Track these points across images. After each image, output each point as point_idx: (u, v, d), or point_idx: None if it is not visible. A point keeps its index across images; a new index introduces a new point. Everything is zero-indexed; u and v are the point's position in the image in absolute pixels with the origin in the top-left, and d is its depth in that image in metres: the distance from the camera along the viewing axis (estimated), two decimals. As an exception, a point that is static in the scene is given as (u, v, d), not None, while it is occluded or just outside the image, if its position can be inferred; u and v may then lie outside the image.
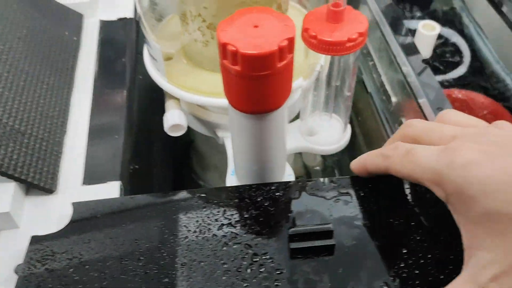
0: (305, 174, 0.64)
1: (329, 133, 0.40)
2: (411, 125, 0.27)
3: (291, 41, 0.25)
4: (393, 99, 0.42)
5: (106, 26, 0.48)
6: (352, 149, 0.59)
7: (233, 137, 0.32)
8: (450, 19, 0.60)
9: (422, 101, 0.37)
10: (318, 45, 0.30)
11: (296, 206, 0.29)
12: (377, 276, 0.25)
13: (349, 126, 0.40)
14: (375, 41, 0.46)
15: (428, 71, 0.39)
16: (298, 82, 0.36)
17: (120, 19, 0.49)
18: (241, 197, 0.30)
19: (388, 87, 0.43)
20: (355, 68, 0.35)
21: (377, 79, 0.46)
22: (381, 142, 0.46)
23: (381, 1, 0.48)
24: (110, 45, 0.46)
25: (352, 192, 0.29)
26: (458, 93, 0.50)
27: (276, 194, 0.30)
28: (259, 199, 0.29)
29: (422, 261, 0.25)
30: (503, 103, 0.51)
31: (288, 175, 0.38)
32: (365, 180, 0.29)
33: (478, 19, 0.59)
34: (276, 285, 0.25)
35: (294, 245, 0.26)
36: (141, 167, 0.38)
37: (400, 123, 0.41)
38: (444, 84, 0.53)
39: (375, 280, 0.25)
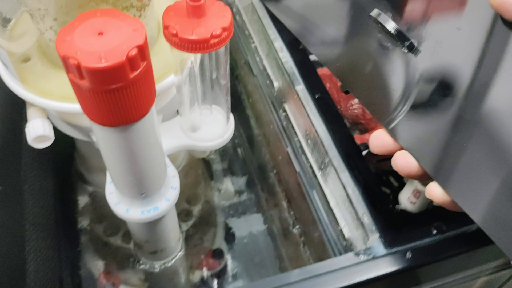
0: (203, 162, 0.63)
1: (212, 127, 0.38)
2: None
3: (142, 48, 0.23)
4: (275, 84, 0.41)
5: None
6: (246, 130, 0.59)
7: (101, 149, 0.30)
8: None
9: (299, 88, 0.36)
10: (181, 44, 0.28)
11: None
12: None
13: (231, 117, 0.39)
14: (254, 24, 0.45)
15: (306, 56, 0.39)
16: (170, 79, 0.34)
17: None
18: None
19: (270, 72, 0.42)
20: (227, 58, 0.33)
21: (260, 62, 0.45)
22: (270, 125, 0.46)
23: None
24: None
25: None
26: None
27: None
28: None
29: None
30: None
31: (172, 176, 0.36)
32: None
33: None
34: None
35: None
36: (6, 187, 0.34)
37: (284, 109, 0.40)
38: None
39: None
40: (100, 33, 0.23)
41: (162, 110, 0.39)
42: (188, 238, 0.57)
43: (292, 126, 0.39)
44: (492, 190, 0.24)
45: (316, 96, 0.35)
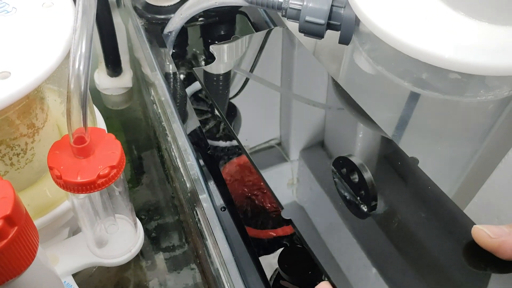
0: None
1: (121, 239, 0.37)
2: None
3: (9, 217, 0.22)
4: (188, 185, 0.41)
5: None
6: (174, 204, 0.58)
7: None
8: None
9: (203, 197, 0.36)
10: (66, 186, 0.27)
11: None
12: None
13: (139, 224, 0.38)
14: (167, 120, 0.45)
15: (213, 161, 0.39)
16: (65, 205, 0.33)
17: None
18: None
19: (182, 172, 0.42)
20: (123, 178, 0.33)
21: (174, 159, 0.44)
22: (190, 219, 0.45)
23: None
24: None
25: None
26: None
27: None
28: None
29: None
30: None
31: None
32: None
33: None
34: None
35: None
36: None
37: (196, 213, 0.40)
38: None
39: None
40: (-36, 204, 0.22)
41: (68, 223, 0.38)
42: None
43: (203, 233, 0.38)
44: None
45: (223, 210, 0.35)
